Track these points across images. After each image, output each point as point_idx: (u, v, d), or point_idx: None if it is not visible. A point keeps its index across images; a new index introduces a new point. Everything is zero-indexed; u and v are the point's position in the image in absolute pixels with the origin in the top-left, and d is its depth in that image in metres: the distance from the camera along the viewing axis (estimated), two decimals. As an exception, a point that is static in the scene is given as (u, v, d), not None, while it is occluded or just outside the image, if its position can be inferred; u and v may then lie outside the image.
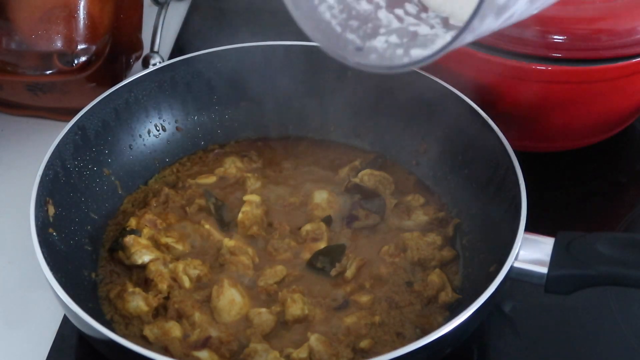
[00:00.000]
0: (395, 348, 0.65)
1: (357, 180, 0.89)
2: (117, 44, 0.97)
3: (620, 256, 0.70)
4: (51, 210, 0.78)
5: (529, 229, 0.73)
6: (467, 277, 0.81)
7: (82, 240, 0.81)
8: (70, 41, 0.90)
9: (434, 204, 0.88)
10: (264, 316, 0.76)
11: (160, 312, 0.77)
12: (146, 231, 0.83)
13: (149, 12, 1.09)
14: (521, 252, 0.72)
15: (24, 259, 0.84)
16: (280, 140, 0.96)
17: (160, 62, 1.02)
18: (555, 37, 0.85)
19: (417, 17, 0.67)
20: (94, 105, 0.86)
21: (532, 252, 0.72)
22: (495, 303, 0.73)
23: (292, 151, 0.95)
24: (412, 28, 0.66)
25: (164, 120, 0.93)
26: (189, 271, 0.80)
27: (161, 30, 1.09)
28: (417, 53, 0.61)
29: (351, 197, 0.88)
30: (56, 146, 0.81)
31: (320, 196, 0.88)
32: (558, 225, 0.76)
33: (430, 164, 0.91)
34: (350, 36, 0.65)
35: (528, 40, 0.85)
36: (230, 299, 0.77)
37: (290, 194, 0.89)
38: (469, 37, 0.56)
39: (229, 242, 0.82)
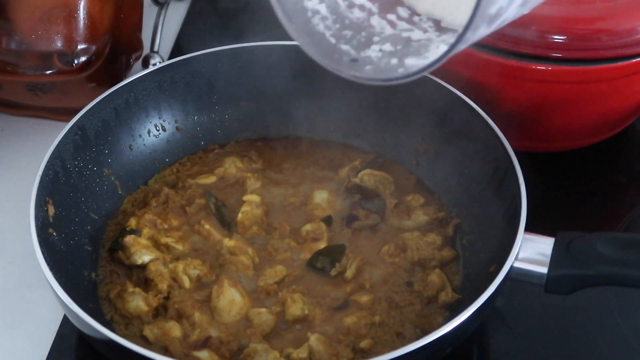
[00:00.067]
0: (395, 348, 0.65)
1: (357, 180, 0.89)
2: (117, 44, 0.97)
3: (620, 256, 0.70)
4: (51, 210, 0.78)
5: (529, 229, 0.73)
6: (467, 277, 0.81)
7: (82, 240, 0.81)
8: (70, 41, 0.90)
9: (434, 204, 0.88)
10: (264, 316, 0.76)
11: (160, 312, 0.77)
12: (146, 231, 0.83)
13: (149, 12, 1.09)
14: (521, 252, 0.72)
15: (24, 259, 0.84)
16: (280, 140, 0.96)
17: (160, 62, 1.02)
18: (555, 37, 0.85)
19: (409, 21, 0.67)
20: (94, 105, 0.86)
21: (532, 252, 0.72)
22: (495, 303, 0.73)
23: (292, 151, 0.95)
24: (405, 34, 0.66)
25: (164, 120, 0.93)
26: (189, 271, 0.80)
27: (161, 30, 1.09)
28: (412, 62, 0.62)
29: (351, 197, 0.88)
30: (56, 146, 0.81)
31: (320, 196, 0.88)
32: (558, 225, 0.76)
33: (430, 164, 0.91)
34: (345, 47, 0.65)
35: (528, 40, 0.85)
36: (230, 299, 0.77)
37: (290, 194, 0.89)
38: (462, 47, 0.56)
39: (229, 242, 0.82)
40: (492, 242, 0.78)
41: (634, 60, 0.87)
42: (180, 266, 0.79)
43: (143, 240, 0.82)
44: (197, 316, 0.76)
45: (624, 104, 0.94)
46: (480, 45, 0.86)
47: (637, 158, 1.02)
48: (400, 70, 0.61)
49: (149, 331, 0.75)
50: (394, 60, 0.63)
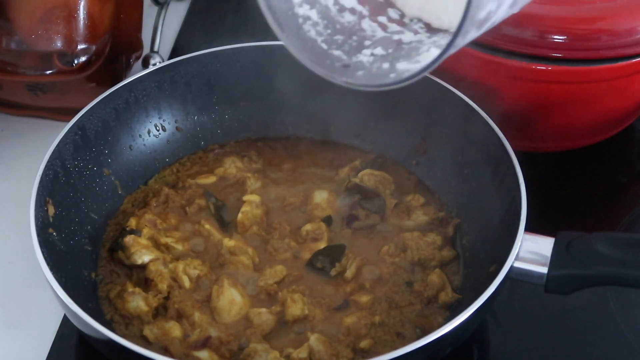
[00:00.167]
0: (395, 348, 0.65)
1: (357, 180, 0.89)
2: (117, 44, 0.97)
3: (620, 256, 0.70)
4: (51, 210, 0.78)
5: (529, 229, 0.73)
6: (467, 277, 0.81)
7: (82, 240, 0.81)
8: (70, 41, 0.90)
9: (434, 204, 0.88)
10: (264, 316, 0.76)
11: (160, 312, 0.77)
12: (146, 231, 0.83)
13: (149, 12, 1.09)
14: (521, 252, 0.72)
15: (24, 259, 0.84)
16: (280, 140, 0.96)
17: (160, 62, 1.02)
18: (555, 37, 0.85)
19: (400, 22, 0.67)
20: (94, 105, 0.86)
21: (532, 252, 0.72)
22: (495, 303, 0.73)
23: (292, 151, 0.95)
24: (396, 36, 0.66)
25: (164, 120, 0.93)
26: (189, 271, 0.80)
27: (161, 30, 1.09)
28: (403, 67, 0.62)
29: (351, 197, 0.88)
30: (56, 146, 0.81)
31: (320, 196, 0.88)
32: (558, 225, 0.76)
33: (430, 164, 0.91)
34: (337, 52, 0.65)
35: (528, 40, 0.85)
36: (230, 299, 0.77)
37: (290, 194, 0.89)
38: (453, 51, 0.56)
39: (229, 242, 0.82)
40: (492, 242, 0.78)
41: (634, 60, 0.87)
42: (180, 266, 0.79)
43: (143, 240, 0.82)
44: (197, 316, 0.76)
45: (624, 104, 0.94)
46: (481, 45, 0.86)
47: (637, 158, 1.03)
48: (392, 76, 0.61)
49: (149, 331, 0.75)
50: (386, 65, 0.63)
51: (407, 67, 0.62)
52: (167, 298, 0.78)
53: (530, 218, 0.73)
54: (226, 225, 0.86)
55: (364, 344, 0.74)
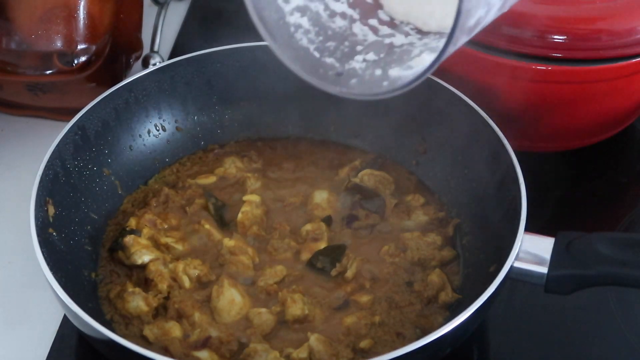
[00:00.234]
0: (395, 348, 0.65)
1: (357, 180, 0.89)
2: (117, 44, 0.97)
3: (620, 256, 0.70)
4: (51, 210, 0.78)
5: (529, 229, 0.73)
6: (467, 277, 0.81)
7: (82, 240, 0.81)
8: (70, 41, 0.90)
9: (434, 204, 0.88)
10: (264, 316, 0.76)
11: (160, 312, 0.77)
12: (146, 231, 0.83)
13: (149, 12, 1.09)
14: (521, 252, 0.72)
15: (24, 259, 0.84)
16: (280, 140, 0.96)
17: (160, 62, 1.02)
18: (555, 37, 0.85)
19: (391, 24, 0.67)
20: (94, 105, 0.86)
21: (532, 253, 0.72)
22: (495, 303, 0.73)
23: (292, 151, 0.95)
24: (387, 40, 0.66)
25: (164, 120, 0.93)
26: (189, 271, 0.80)
27: (161, 30, 1.09)
28: (396, 74, 0.62)
29: (351, 197, 0.88)
30: (56, 146, 0.81)
31: (320, 196, 0.88)
32: (558, 225, 0.76)
33: (430, 164, 0.91)
34: (329, 60, 0.65)
35: (528, 40, 0.85)
36: (230, 299, 0.77)
37: (290, 194, 0.89)
38: (444, 57, 0.56)
39: (229, 242, 0.82)
40: (492, 242, 0.78)
41: (634, 60, 0.87)
42: (180, 266, 0.79)
43: (143, 240, 0.82)
44: (197, 316, 0.76)
45: (624, 104, 0.94)
46: (481, 45, 0.86)
47: (637, 158, 1.02)
48: (385, 84, 0.61)
49: (149, 331, 0.75)
50: (378, 71, 0.63)
51: (400, 73, 0.62)
52: (167, 298, 0.78)
53: (530, 218, 0.73)
54: (226, 225, 0.86)
55: (364, 344, 0.74)
